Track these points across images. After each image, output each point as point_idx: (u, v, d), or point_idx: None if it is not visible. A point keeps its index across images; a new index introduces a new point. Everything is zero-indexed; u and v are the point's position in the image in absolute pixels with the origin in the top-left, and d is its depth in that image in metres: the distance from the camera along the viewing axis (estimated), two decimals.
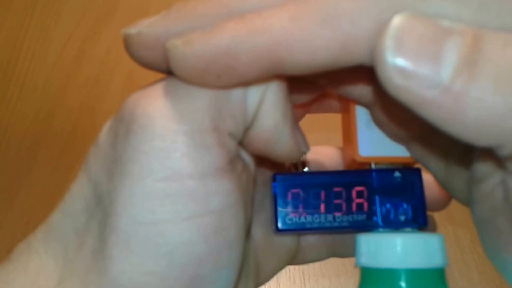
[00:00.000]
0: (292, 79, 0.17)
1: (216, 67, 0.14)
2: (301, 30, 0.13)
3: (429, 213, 0.20)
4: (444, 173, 0.20)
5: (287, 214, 0.20)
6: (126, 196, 0.15)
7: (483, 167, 0.16)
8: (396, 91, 0.13)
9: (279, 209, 0.20)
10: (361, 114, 0.20)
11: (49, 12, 0.66)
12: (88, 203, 0.16)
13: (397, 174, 0.20)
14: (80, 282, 0.15)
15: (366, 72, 0.14)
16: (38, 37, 0.64)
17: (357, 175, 0.20)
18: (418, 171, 0.20)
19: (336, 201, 0.20)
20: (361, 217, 0.20)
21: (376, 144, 0.20)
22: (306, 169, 0.23)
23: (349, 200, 0.20)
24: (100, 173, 0.16)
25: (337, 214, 0.20)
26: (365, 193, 0.20)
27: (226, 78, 0.14)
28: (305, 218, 0.20)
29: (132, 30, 0.15)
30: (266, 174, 0.22)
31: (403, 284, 0.18)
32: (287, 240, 0.22)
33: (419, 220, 0.20)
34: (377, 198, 0.20)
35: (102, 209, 0.16)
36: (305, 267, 0.46)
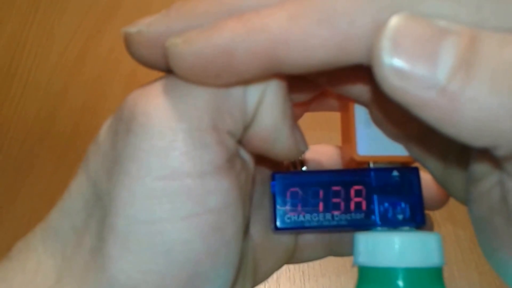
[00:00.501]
0: (291, 78, 0.17)
1: (215, 66, 0.14)
2: (298, 29, 0.13)
3: (426, 212, 0.20)
4: (443, 172, 0.20)
5: (286, 213, 0.20)
6: (125, 195, 0.15)
7: (480, 167, 0.16)
8: (393, 92, 0.13)
9: (278, 207, 0.20)
10: (360, 113, 0.20)
11: (52, 11, 0.66)
12: (87, 201, 0.16)
13: (395, 173, 0.20)
14: (78, 281, 0.15)
15: (364, 72, 0.14)
16: (41, 36, 0.64)
17: (355, 174, 0.20)
18: (416, 170, 0.20)
19: (335, 200, 0.20)
20: (359, 216, 0.20)
21: (374, 143, 0.20)
22: (304, 168, 0.23)
23: (347, 199, 0.20)
24: (99, 171, 0.16)
25: (336, 213, 0.20)
26: (364, 192, 0.20)
27: (225, 76, 0.14)
28: (304, 216, 0.20)
29: (132, 29, 0.15)
30: (265, 172, 0.22)
31: (400, 283, 0.18)
32: (285, 239, 0.22)
33: (417, 219, 0.20)
34: (375, 197, 0.20)
35: (101, 207, 0.16)
36: (305, 266, 0.46)
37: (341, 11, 0.13)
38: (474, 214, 0.17)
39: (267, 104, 0.16)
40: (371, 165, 0.21)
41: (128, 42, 0.16)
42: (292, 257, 0.23)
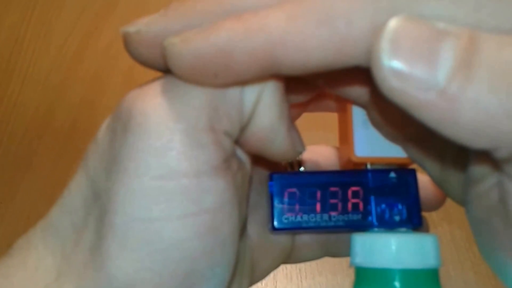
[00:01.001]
0: (289, 78, 0.17)
1: (212, 66, 0.14)
2: (297, 30, 0.13)
3: (422, 213, 0.20)
4: (440, 173, 0.20)
5: (283, 213, 0.20)
6: (123, 194, 0.15)
7: (479, 169, 0.16)
8: (392, 93, 0.13)
9: (276, 208, 0.20)
10: (358, 114, 0.20)
11: (50, 7, 0.66)
12: (86, 199, 0.16)
13: (392, 174, 0.20)
14: (77, 278, 0.15)
15: (362, 73, 0.14)
16: (39, 32, 0.64)
17: (353, 175, 0.20)
18: (413, 172, 0.21)
19: (332, 201, 0.20)
20: (357, 217, 0.20)
21: (372, 145, 0.20)
22: (302, 169, 0.23)
23: (344, 200, 0.20)
24: (98, 170, 0.16)
25: (333, 214, 0.20)
26: (361, 193, 0.20)
27: (223, 77, 0.14)
28: (301, 217, 0.20)
29: (131, 28, 0.15)
30: (262, 173, 0.22)
31: (397, 284, 0.18)
32: (282, 239, 0.22)
33: (414, 221, 0.20)
34: (372, 198, 0.20)
35: (100, 205, 0.16)
36: (302, 265, 0.46)
37: (339, 13, 0.13)
38: (472, 216, 0.17)
39: (264, 105, 0.16)
40: (369, 166, 0.21)
41: (127, 42, 0.16)
42: (289, 257, 0.23)
